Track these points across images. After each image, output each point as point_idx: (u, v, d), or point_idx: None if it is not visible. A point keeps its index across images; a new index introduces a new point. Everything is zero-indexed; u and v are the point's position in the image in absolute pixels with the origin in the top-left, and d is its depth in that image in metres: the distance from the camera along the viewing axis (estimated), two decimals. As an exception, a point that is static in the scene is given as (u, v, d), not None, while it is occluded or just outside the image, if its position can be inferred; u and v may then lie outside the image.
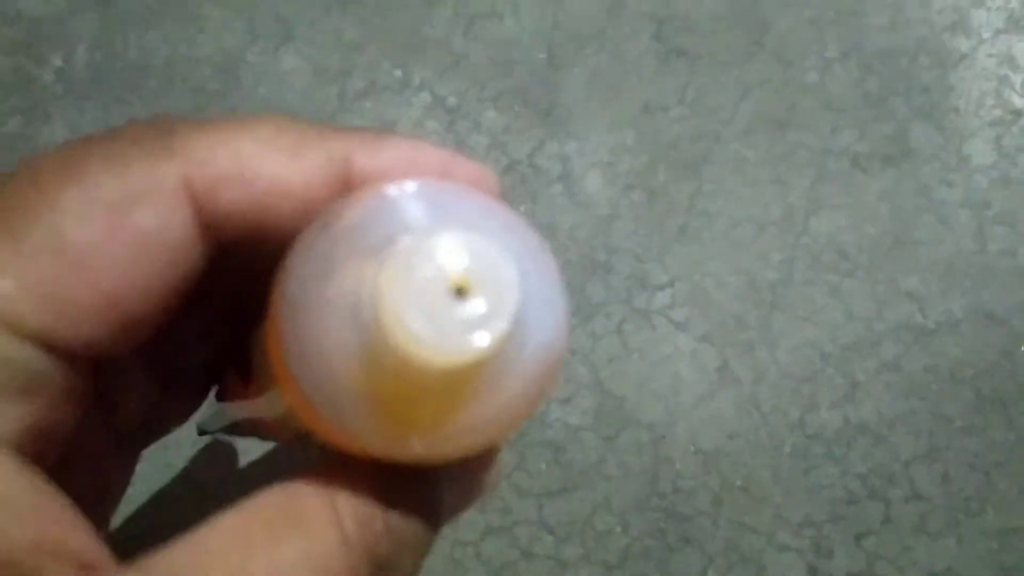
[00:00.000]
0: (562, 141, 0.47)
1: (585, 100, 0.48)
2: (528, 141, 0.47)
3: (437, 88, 0.48)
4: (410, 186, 0.17)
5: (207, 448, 0.42)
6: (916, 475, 0.44)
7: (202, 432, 0.29)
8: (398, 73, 0.48)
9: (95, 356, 0.18)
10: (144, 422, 0.25)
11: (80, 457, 0.21)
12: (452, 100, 0.48)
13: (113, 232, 0.17)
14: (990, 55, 0.48)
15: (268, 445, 0.41)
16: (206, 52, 0.48)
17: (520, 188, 0.47)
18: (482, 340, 0.15)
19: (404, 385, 0.16)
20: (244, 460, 0.42)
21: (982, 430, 0.45)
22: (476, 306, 0.15)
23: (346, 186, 0.19)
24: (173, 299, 0.18)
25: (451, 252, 0.15)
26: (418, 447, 0.17)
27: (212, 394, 0.27)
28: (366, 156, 0.19)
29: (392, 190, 0.17)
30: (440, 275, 0.15)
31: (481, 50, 0.48)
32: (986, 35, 0.49)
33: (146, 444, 0.26)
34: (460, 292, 0.15)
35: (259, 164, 0.18)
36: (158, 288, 0.18)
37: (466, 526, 0.44)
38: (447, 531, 0.44)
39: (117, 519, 0.35)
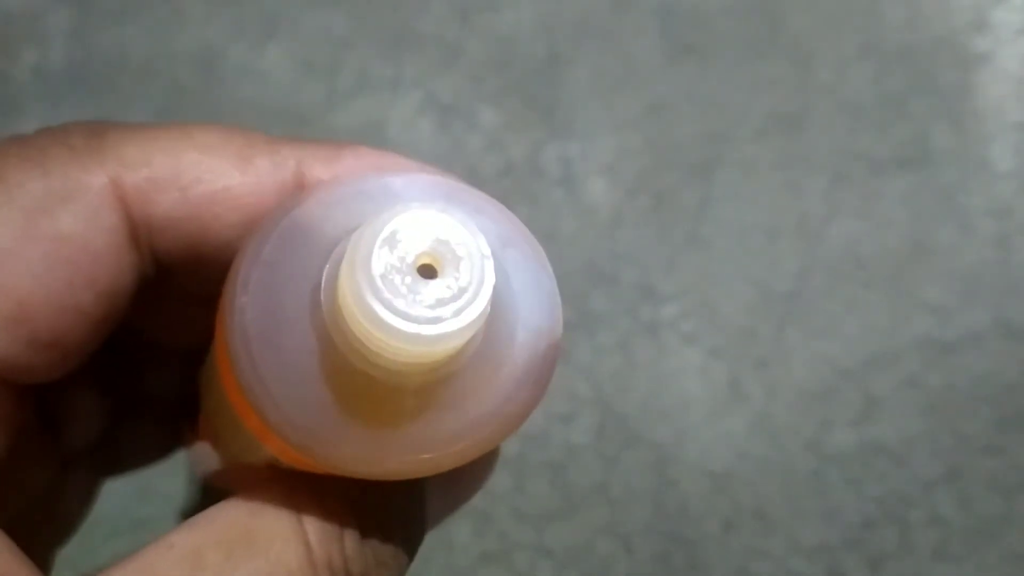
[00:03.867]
0: (564, 142, 0.47)
1: (588, 99, 0.48)
2: (528, 142, 0.47)
3: (431, 85, 0.47)
4: (368, 176, 0.16)
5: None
6: (935, 497, 0.44)
7: None
8: (389, 69, 0.48)
9: (12, 378, 0.17)
10: (101, 449, 0.24)
11: (16, 478, 0.20)
12: (447, 98, 0.47)
13: (29, 234, 0.16)
14: (1011, 56, 0.48)
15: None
16: (186, 47, 0.48)
17: (519, 192, 0.46)
18: (455, 322, 0.14)
19: (374, 387, 0.15)
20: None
21: (1003, 450, 0.44)
22: (446, 286, 0.14)
23: None
24: (100, 315, 0.17)
25: (414, 230, 0.14)
26: (397, 463, 0.15)
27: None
28: (322, 166, 0.18)
29: (349, 181, 0.16)
30: (402, 255, 0.14)
31: (478, 45, 0.48)
32: (1006, 35, 0.48)
33: (108, 472, 0.25)
34: (427, 272, 0.14)
35: (200, 170, 0.17)
36: (79, 300, 0.17)
37: (460, 552, 0.43)
38: (439, 556, 0.43)
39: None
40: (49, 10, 0.48)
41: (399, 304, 0.14)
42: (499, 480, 0.44)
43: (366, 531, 0.17)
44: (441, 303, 0.14)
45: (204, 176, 0.17)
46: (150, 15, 0.48)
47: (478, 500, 0.45)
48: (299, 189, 0.17)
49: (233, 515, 0.17)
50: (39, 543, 0.23)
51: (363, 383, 0.15)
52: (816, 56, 0.48)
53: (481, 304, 0.14)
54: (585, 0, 0.48)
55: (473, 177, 0.46)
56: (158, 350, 0.22)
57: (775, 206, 0.46)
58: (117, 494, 0.41)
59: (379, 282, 0.14)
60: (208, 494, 0.25)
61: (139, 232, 0.17)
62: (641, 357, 0.45)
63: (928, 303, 0.46)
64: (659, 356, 0.45)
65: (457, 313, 0.14)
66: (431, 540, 0.19)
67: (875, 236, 0.46)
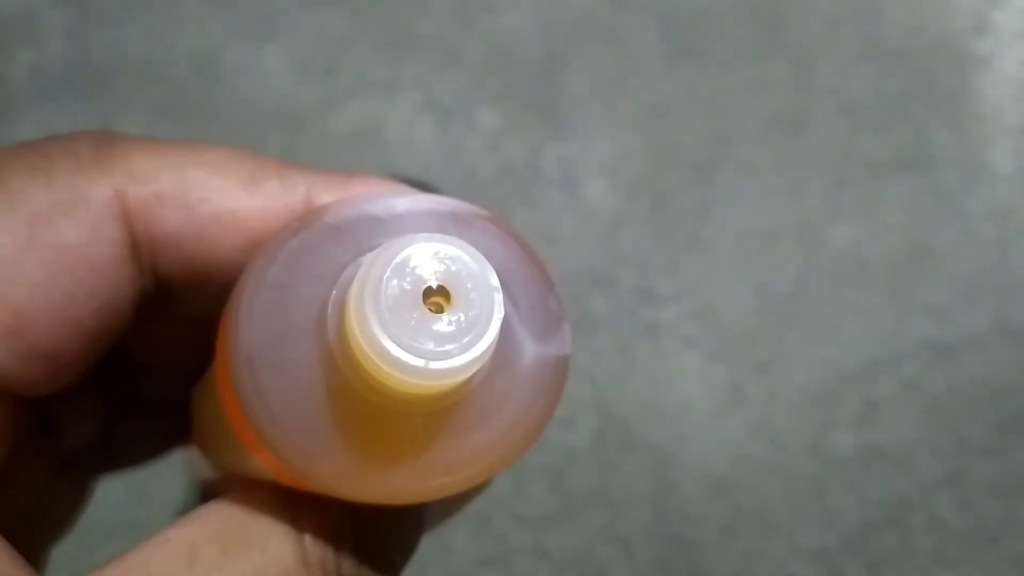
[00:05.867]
0: (563, 144, 0.47)
1: (588, 100, 0.47)
2: (527, 144, 0.47)
3: (430, 87, 0.47)
4: (375, 198, 0.16)
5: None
6: (935, 501, 0.44)
7: None
8: (388, 70, 0.47)
9: (8, 389, 0.17)
10: (96, 448, 0.23)
11: (13, 483, 0.20)
12: (446, 100, 0.47)
13: (29, 243, 0.16)
14: (1011, 59, 0.48)
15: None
16: (184, 47, 0.47)
17: (518, 194, 0.46)
18: (463, 357, 0.14)
19: (380, 414, 0.15)
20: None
21: (1003, 454, 0.44)
22: (455, 319, 0.14)
23: None
24: (98, 329, 0.17)
25: (423, 261, 0.14)
26: (402, 490, 0.15)
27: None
28: (331, 193, 0.17)
29: (354, 203, 0.16)
30: (411, 287, 0.14)
31: (477, 46, 0.48)
32: (1006, 38, 0.48)
33: (104, 472, 0.25)
34: (435, 306, 0.14)
35: (207, 189, 0.17)
36: (78, 313, 0.17)
37: (458, 556, 0.43)
38: (438, 560, 0.43)
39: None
40: (46, 11, 0.47)
41: (407, 338, 0.13)
42: (498, 484, 0.44)
43: (362, 535, 0.17)
44: (450, 337, 0.14)
45: (211, 196, 0.17)
46: (147, 16, 0.48)
47: (477, 504, 0.45)
48: (306, 213, 0.17)
49: (229, 511, 0.16)
50: (33, 542, 0.23)
51: (368, 410, 0.15)
52: (817, 58, 0.48)
53: (490, 338, 0.14)
54: (585, 1, 0.48)
55: (472, 179, 0.46)
56: (155, 364, 0.22)
57: (775, 208, 0.46)
58: (113, 497, 0.41)
59: (387, 315, 0.13)
60: (205, 496, 0.25)
61: (141, 247, 0.17)
62: (641, 360, 0.45)
63: (928, 306, 0.46)
64: (659, 359, 0.45)
65: (466, 348, 0.14)
66: (429, 544, 0.19)
67: (875, 239, 0.46)
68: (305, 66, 0.47)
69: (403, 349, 0.13)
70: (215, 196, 0.17)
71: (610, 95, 0.48)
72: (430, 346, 0.13)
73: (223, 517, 0.16)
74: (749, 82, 0.48)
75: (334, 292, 0.15)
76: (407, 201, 0.16)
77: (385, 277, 0.13)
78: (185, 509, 0.24)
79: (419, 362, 0.13)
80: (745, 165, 0.47)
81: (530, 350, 0.15)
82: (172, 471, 0.40)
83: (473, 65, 0.48)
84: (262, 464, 0.16)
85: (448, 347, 0.13)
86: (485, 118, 0.47)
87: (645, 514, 0.44)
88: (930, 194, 0.47)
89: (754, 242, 0.46)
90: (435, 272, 0.14)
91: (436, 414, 0.15)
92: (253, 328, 0.15)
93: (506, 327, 0.15)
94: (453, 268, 0.14)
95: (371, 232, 0.15)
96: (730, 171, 0.47)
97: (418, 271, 0.14)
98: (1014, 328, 0.45)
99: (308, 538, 0.16)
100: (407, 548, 0.18)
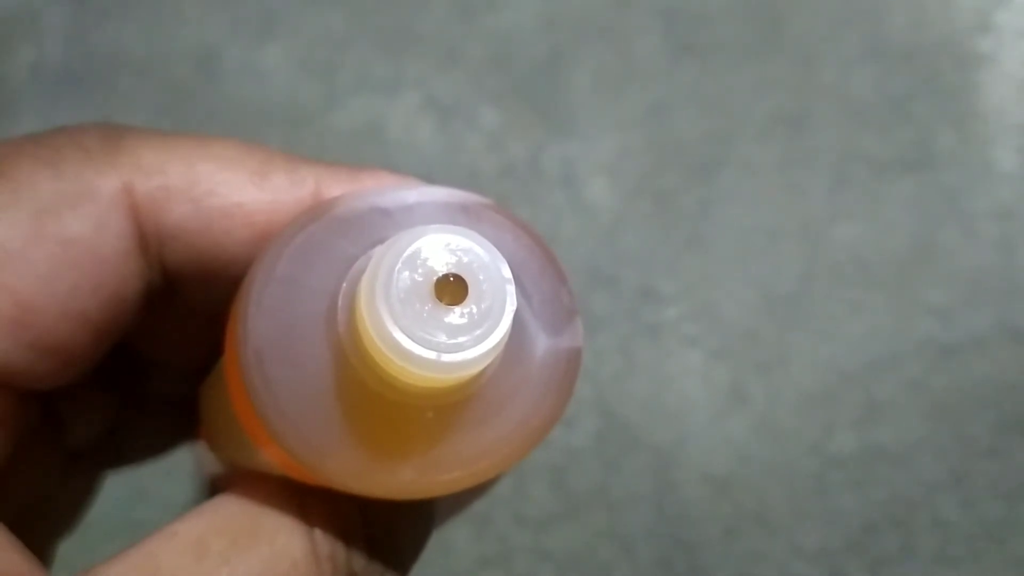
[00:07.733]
0: (564, 143, 0.47)
1: (589, 99, 0.47)
2: (528, 142, 0.47)
3: (431, 85, 0.47)
4: (384, 191, 0.16)
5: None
6: (937, 501, 0.44)
7: None
8: (389, 69, 0.47)
9: (14, 383, 0.16)
10: (103, 443, 0.23)
11: (19, 477, 0.20)
12: (447, 98, 0.47)
13: (35, 236, 0.16)
14: (1014, 58, 0.48)
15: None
16: (184, 46, 0.47)
17: (519, 192, 0.46)
18: (476, 350, 0.13)
19: (390, 407, 0.14)
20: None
21: (1006, 454, 0.44)
22: (467, 312, 0.14)
23: None
24: (105, 322, 0.17)
25: (435, 253, 0.14)
26: (412, 484, 0.15)
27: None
28: (340, 187, 0.17)
29: (363, 196, 0.16)
30: (423, 279, 0.14)
31: (478, 45, 0.48)
32: (1009, 37, 0.48)
33: (109, 465, 0.25)
34: (446, 297, 0.14)
35: (214, 182, 0.17)
36: (84, 306, 0.16)
37: (459, 555, 0.43)
38: (439, 559, 0.43)
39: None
40: (46, 8, 0.47)
41: (419, 331, 0.13)
42: (499, 483, 0.44)
43: (372, 530, 0.17)
44: (462, 330, 0.13)
45: (218, 189, 0.17)
46: (148, 14, 0.48)
47: (478, 503, 0.44)
48: (314, 206, 0.17)
49: (237, 505, 0.16)
50: (40, 537, 0.23)
51: (379, 403, 0.14)
52: (819, 57, 0.48)
53: (502, 330, 0.14)
54: (586, 0, 0.48)
55: (473, 178, 0.46)
56: (162, 359, 0.22)
57: (777, 208, 0.46)
58: (116, 495, 0.41)
59: (398, 307, 0.13)
60: (213, 493, 0.25)
61: (148, 240, 0.17)
62: (642, 359, 0.45)
63: (931, 306, 0.45)
64: (660, 358, 0.45)
65: (478, 341, 0.13)
66: (430, 543, 0.19)
67: (878, 238, 0.46)
68: (305, 65, 0.47)
69: (415, 342, 0.13)
70: (223, 189, 0.17)
71: (612, 94, 0.47)
72: (442, 338, 0.13)
73: (232, 510, 0.16)
74: (751, 81, 0.48)
75: (344, 285, 0.15)
76: (416, 193, 0.16)
77: (396, 269, 0.13)
78: (189, 507, 0.24)
79: (431, 355, 0.13)
80: (747, 164, 0.47)
81: (542, 343, 0.15)
82: (175, 469, 0.40)
83: (474, 64, 0.47)
84: (271, 459, 0.16)
85: (460, 339, 0.13)
86: (486, 117, 0.47)
87: (646, 514, 0.44)
88: (933, 193, 0.46)
89: (756, 241, 0.46)
90: (447, 264, 0.14)
91: (447, 408, 0.15)
92: (262, 322, 0.15)
93: (518, 320, 0.14)
94: (465, 260, 0.14)
95: (381, 225, 0.15)
96: (732, 170, 0.47)
97: (429, 263, 0.14)
98: (1017, 328, 0.45)
99: (318, 532, 0.16)
100: (417, 544, 0.18)
